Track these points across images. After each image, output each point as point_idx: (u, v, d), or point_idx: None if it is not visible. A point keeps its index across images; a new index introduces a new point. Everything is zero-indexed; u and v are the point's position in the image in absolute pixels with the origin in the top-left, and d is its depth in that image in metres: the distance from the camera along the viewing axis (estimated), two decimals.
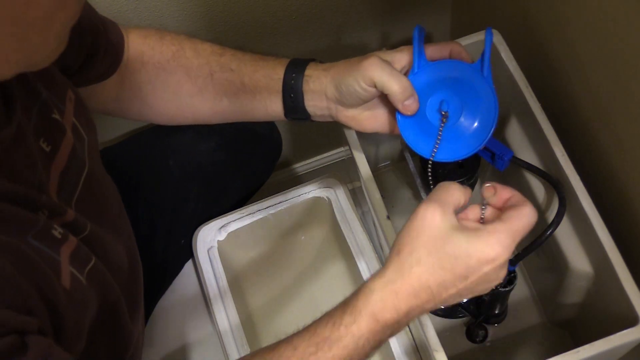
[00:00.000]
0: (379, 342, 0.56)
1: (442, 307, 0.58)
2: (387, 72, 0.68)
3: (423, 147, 0.72)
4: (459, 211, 0.57)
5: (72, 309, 0.54)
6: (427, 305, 0.56)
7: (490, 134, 0.69)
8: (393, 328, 0.56)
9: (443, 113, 0.70)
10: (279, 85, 0.74)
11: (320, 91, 0.72)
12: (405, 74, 0.71)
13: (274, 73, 0.74)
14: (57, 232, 0.55)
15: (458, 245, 0.53)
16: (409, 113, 0.69)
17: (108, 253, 0.64)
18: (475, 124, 0.70)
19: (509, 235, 0.54)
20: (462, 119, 0.70)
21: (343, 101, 0.72)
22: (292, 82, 0.73)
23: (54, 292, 0.52)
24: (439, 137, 0.70)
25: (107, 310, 0.62)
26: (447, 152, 0.71)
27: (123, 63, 0.76)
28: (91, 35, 0.70)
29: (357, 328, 0.54)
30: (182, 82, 0.77)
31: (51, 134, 0.59)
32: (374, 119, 0.74)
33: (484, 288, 0.57)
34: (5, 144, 0.52)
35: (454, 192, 0.56)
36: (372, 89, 0.69)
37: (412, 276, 0.54)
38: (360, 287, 0.56)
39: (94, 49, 0.71)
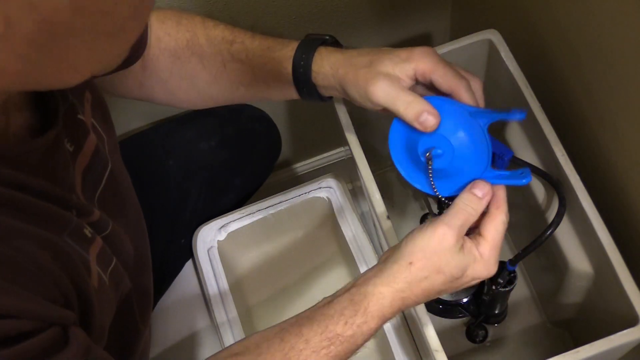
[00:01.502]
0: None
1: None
2: (392, 96, 0.65)
3: (417, 179, 0.68)
4: None
5: (100, 308, 0.55)
6: (422, 302, 0.64)
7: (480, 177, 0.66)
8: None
9: (427, 156, 0.67)
10: (289, 78, 0.72)
11: (331, 87, 0.71)
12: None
13: (282, 67, 0.72)
14: (88, 231, 0.57)
15: (460, 268, 0.61)
16: (428, 129, 0.65)
17: (124, 252, 0.65)
18: (465, 169, 0.67)
19: (495, 253, 0.63)
20: (452, 161, 0.68)
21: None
22: (301, 78, 0.72)
23: (87, 290, 0.53)
24: (431, 176, 0.67)
25: (122, 310, 0.63)
26: (442, 188, 0.67)
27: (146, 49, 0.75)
28: None
29: (367, 327, 0.60)
30: (198, 71, 0.76)
31: (75, 134, 0.59)
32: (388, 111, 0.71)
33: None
34: (46, 147, 0.53)
35: (470, 219, 0.62)
36: (379, 107, 0.68)
37: (418, 290, 0.61)
38: (367, 289, 0.61)
39: None
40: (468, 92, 0.67)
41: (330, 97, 0.75)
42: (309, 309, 0.62)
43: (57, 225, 0.53)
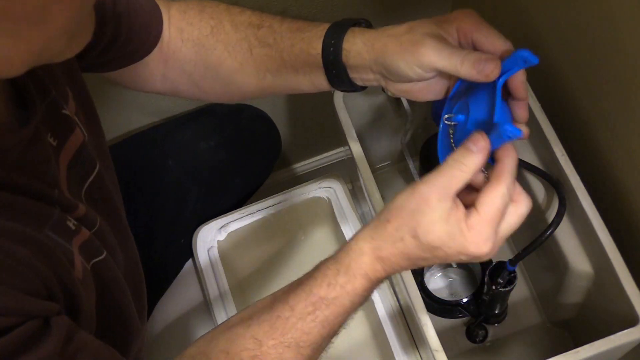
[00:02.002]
0: (371, 293, 0.61)
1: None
2: (446, 54, 0.61)
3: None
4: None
5: (85, 299, 0.55)
6: (408, 267, 0.60)
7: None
8: (381, 281, 0.60)
9: (447, 118, 0.65)
10: (318, 61, 0.67)
11: (364, 66, 0.66)
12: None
13: (311, 48, 0.68)
14: (72, 223, 0.56)
15: (439, 238, 0.56)
16: (490, 77, 0.60)
17: (116, 249, 0.64)
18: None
19: (487, 230, 0.55)
20: (468, 128, 0.64)
21: (392, 79, 0.65)
22: (331, 57, 0.66)
23: (72, 282, 0.53)
24: (451, 135, 0.64)
25: (115, 305, 0.63)
26: None
27: (163, 41, 0.74)
28: (112, 22, 0.68)
29: (352, 287, 0.58)
30: (223, 59, 0.74)
31: (59, 129, 0.59)
32: (430, 89, 0.66)
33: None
34: (25, 142, 0.52)
35: (460, 176, 0.55)
36: (430, 73, 0.63)
37: (395, 250, 0.57)
38: (350, 245, 0.58)
39: (115, 35, 0.69)
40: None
41: (363, 87, 0.70)
42: (305, 273, 0.60)
43: (38, 221, 0.52)
